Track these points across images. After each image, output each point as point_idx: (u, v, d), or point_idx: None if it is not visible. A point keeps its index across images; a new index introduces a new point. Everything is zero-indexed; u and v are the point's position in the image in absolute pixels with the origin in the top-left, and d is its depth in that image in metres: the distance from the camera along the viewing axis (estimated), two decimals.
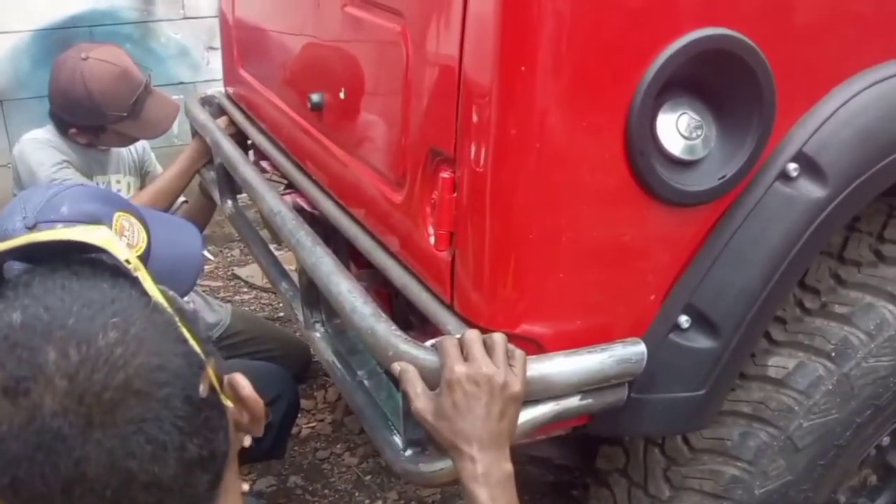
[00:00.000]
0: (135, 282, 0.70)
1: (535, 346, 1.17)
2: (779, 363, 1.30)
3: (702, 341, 1.20)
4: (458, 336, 1.12)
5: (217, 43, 3.56)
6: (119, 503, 0.64)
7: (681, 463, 1.35)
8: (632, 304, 1.21)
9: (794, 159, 1.17)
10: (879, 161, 1.19)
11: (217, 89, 2.52)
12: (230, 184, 2.19)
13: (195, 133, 2.39)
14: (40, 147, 2.31)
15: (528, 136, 1.08)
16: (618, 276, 1.18)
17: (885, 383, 1.30)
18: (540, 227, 1.12)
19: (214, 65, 3.76)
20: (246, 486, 2.12)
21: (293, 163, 1.87)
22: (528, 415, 1.15)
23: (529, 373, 1.11)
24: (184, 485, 0.66)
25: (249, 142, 2.22)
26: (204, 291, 2.91)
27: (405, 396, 1.11)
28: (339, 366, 1.53)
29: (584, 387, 1.17)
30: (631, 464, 1.42)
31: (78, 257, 0.70)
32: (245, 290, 3.58)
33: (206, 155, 2.32)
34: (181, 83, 3.81)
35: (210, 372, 0.70)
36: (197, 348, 0.70)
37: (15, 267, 0.70)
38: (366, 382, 1.47)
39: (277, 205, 1.71)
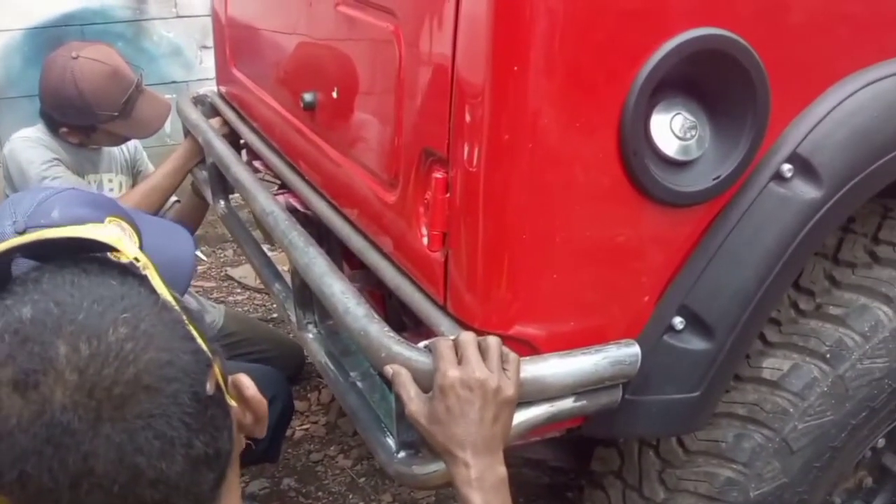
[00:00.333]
0: (143, 279, 0.70)
1: (529, 348, 1.17)
2: (773, 365, 1.30)
3: (696, 343, 1.19)
4: (452, 338, 1.11)
5: (210, 42, 3.56)
6: (126, 499, 0.63)
7: (676, 465, 1.35)
8: (626, 306, 1.20)
9: (788, 160, 1.17)
10: (874, 162, 1.18)
11: (210, 88, 2.51)
12: (222, 183, 2.18)
13: (187, 132, 2.37)
14: (31, 146, 2.30)
15: (521, 136, 1.08)
16: (612, 277, 1.18)
17: (879, 385, 1.30)
18: (533, 227, 1.12)
19: (207, 64, 3.75)
20: None
21: (286, 163, 1.86)
22: (523, 416, 1.14)
23: (523, 374, 1.10)
24: (189, 482, 0.66)
25: (242, 141, 2.21)
26: (197, 292, 2.90)
27: (398, 399, 1.11)
28: (332, 367, 1.52)
29: (579, 388, 1.16)
30: (626, 466, 1.42)
31: (86, 255, 0.70)
32: (238, 290, 3.57)
33: (199, 154, 2.31)
34: (174, 82, 3.80)
35: (216, 370, 0.70)
36: (204, 346, 0.70)
37: (22, 264, 0.70)
38: (359, 384, 1.46)
39: (270, 205, 1.70)
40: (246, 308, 3.41)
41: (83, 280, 0.67)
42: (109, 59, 2.28)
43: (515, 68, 1.06)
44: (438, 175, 1.18)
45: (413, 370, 1.11)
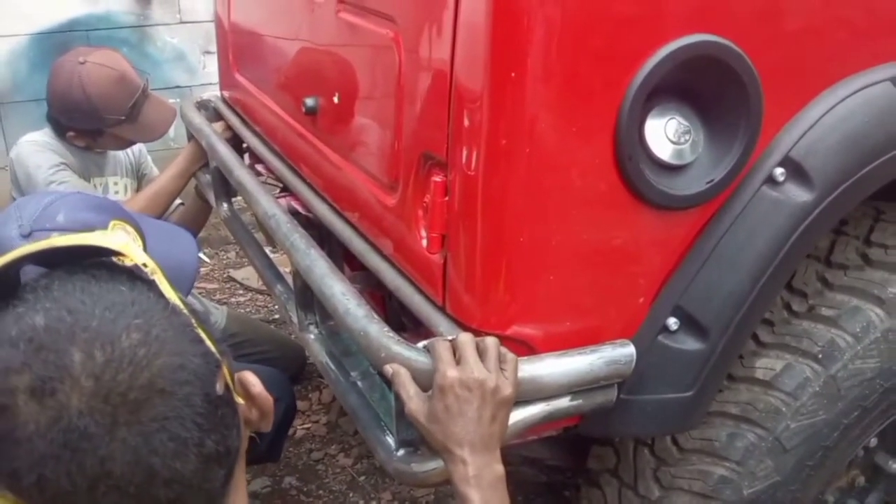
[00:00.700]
0: (151, 284, 0.72)
1: (526, 348, 1.19)
2: (766, 365, 1.32)
3: (690, 343, 1.21)
4: (451, 338, 1.13)
5: (213, 47, 3.58)
6: (141, 499, 0.66)
7: (670, 463, 1.37)
8: (621, 307, 1.22)
9: (780, 164, 1.19)
10: (865, 166, 1.20)
11: (213, 93, 2.54)
12: (225, 187, 2.20)
13: (191, 136, 2.40)
14: (38, 150, 2.32)
15: (519, 140, 1.10)
16: (607, 278, 1.20)
17: (871, 385, 1.32)
18: (530, 230, 1.14)
19: (210, 69, 3.77)
20: None
21: (288, 166, 1.88)
22: (520, 415, 1.16)
23: (520, 374, 1.12)
24: (202, 480, 0.68)
25: (245, 145, 2.24)
26: (200, 294, 2.92)
27: (398, 398, 1.13)
28: (332, 367, 1.54)
29: (575, 388, 1.19)
30: (621, 464, 1.44)
31: (94, 261, 0.72)
32: (240, 292, 3.60)
33: (202, 158, 2.34)
34: (177, 87, 3.82)
35: (225, 371, 0.72)
36: (212, 348, 0.72)
37: (31, 271, 0.72)
38: (359, 383, 1.48)
39: (272, 208, 1.72)
40: (248, 309, 3.44)
41: (93, 287, 0.69)
42: (116, 64, 2.31)
43: (513, 74, 1.08)
44: (437, 178, 1.20)
45: (412, 370, 1.13)
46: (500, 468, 1.06)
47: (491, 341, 1.10)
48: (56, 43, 3.56)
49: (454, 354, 1.10)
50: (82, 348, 0.64)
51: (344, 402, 1.47)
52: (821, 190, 1.19)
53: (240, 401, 0.77)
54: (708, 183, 1.17)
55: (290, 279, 1.74)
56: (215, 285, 3.64)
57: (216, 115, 2.42)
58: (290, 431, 2.56)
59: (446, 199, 1.19)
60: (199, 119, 2.33)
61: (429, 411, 1.07)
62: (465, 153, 1.14)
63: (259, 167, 2.15)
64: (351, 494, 2.41)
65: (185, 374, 0.67)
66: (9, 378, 0.64)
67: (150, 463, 0.65)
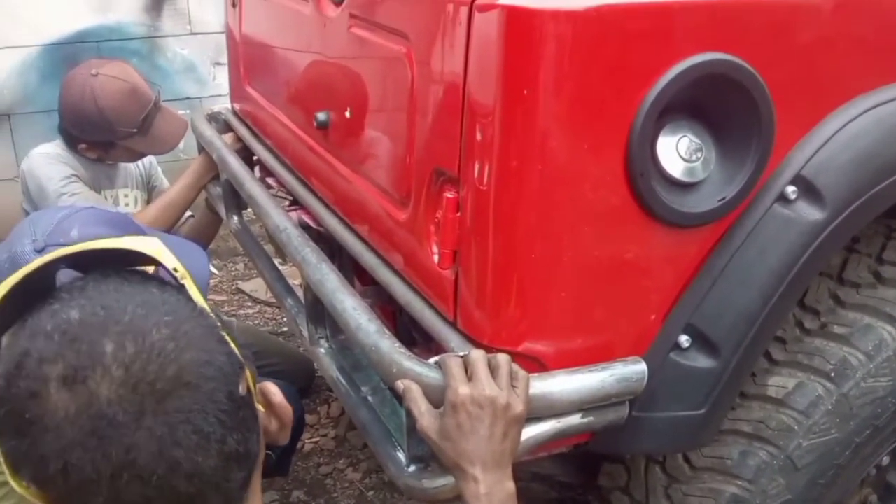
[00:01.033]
0: (181, 289, 0.74)
1: (538, 365, 1.19)
2: (779, 383, 1.32)
3: (702, 361, 1.21)
4: (462, 354, 1.13)
5: (223, 59, 3.60)
6: (162, 490, 0.67)
7: (682, 481, 1.36)
8: (633, 324, 1.22)
9: (792, 182, 1.19)
10: (877, 184, 1.20)
11: (223, 105, 2.55)
12: (236, 199, 2.21)
13: (201, 149, 2.41)
14: (49, 161, 2.34)
15: (531, 158, 1.10)
16: (619, 295, 1.20)
17: (883, 403, 1.31)
18: (542, 246, 1.14)
19: (220, 80, 3.80)
20: None
21: (299, 180, 1.89)
22: (531, 432, 1.16)
23: (532, 391, 1.12)
24: (222, 478, 0.70)
25: (255, 157, 2.25)
26: (208, 306, 2.93)
27: (409, 414, 1.13)
28: (343, 382, 1.54)
29: (586, 405, 1.19)
30: (632, 481, 1.43)
31: (126, 268, 0.74)
32: (249, 304, 3.60)
33: (213, 170, 2.35)
34: (188, 98, 3.85)
35: (248, 374, 0.74)
36: (237, 352, 0.73)
37: (65, 275, 0.74)
38: (370, 398, 1.48)
39: (283, 222, 1.72)
40: (256, 321, 3.44)
41: (126, 287, 0.72)
42: (128, 76, 2.33)
43: (526, 91, 1.08)
44: (449, 194, 1.21)
45: (423, 385, 1.14)
46: (511, 485, 1.06)
47: (503, 358, 1.11)
48: (66, 54, 3.59)
49: (466, 371, 1.10)
50: (114, 340, 0.67)
51: (354, 417, 1.47)
52: (832, 208, 1.19)
53: (260, 409, 0.79)
54: (720, 200, 1.17)
55: (299, 292, 1.75)
56: (224, 297, 3.65)
57: (227, 128, 2.43)
58: (299, 445, 2.56)
59: (458, 214, 1.20)
60: (210, 132, 2.34)
61: (440, 428, 1.07)
62: (477, 169, 1.14)
63: (269, 180, 2.16)
64: None
65: (211, 370, 0.69)
66: (42, 367, 0.66)
67: (174, 454, 0.66)
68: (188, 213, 2.51)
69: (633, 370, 1.19)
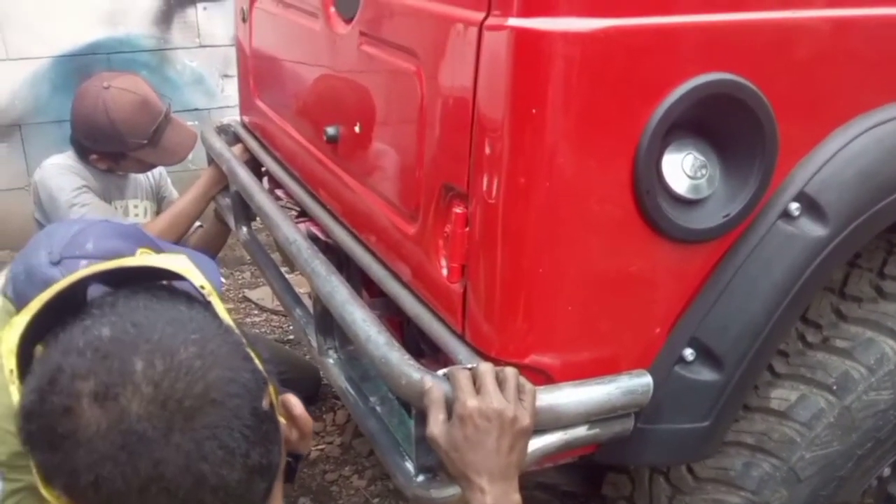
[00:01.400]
0: (207, 305, 0.77)
1: (544, 377, 1.21)
2: (781, 395, 1.34)
3: (706, 374, 1.23)
4: (471, 367, 1.15)
5: (231, 71, 3.64)
6: (188, 502, 0.69)
7: (685, 492, 1.38)
8: (638, 337, 1.24)
9: (795, 199, 1.21)
10: (879, 201, 1.23)
11: (232, 117, 2.58)
12: (245, 211, 2.24)
13: (211, 160, 2.44)
14: (61, 172, 2.37)
15: (539, 175, 1.13)
16: (625, 309, 1.22)
17: (885, 416, 1.33)
18: (549, 261, 1.16)
19: (229, 92, 3.83)
20: None
21: (308, 192, 1.91)
22: (538, 444, 1.18)
23: (539, 403, 1.14)
24: (245, 490, 0.72)
25: (263, 169, 2.28)
26: None
27: (419, 422, 1.14)
28: (351, 392, 1.56)
29: (592, 417, 1.21)
30: (637, 491, 1.45)
31: (155, 283, 0.76)
32: (256, 312, 3.62)
33: (222, 181, 2.38)
34: (196, 109, 3.88)
35: (271, 390, 0.76)
36: (260, 367, 0.76)
37: (96, 288, 0.77)
38: (378, 409, 1.50)
39: (293, 234, 1.75)
40: (263, 329, 3.47)
41: (155, 304, 0.74)
42: (139, 89, 2.36)
43: (534, 111, 1.11)
44: (458, 210, 1.23)
45: None
46: (517, 497, 1.08)
47: (510, 371, 1.13)
48: (77, 66, 3.63)
49: (474, 383, 1.12)
50: (144, 357, 0.69)
51: (363, 427, 1.49)
52: (835, 225, 1.21)
53: (282, 420, 0.81)
54: (724, 217, 1.19)
55: (308, 302, 1.77)
56: (230, 305, 3.67)
57: (236, 140, 2.46)
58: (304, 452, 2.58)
59: (467, 229, 1.22)
60: (219, 144, 2.37)
61: (449, 439, 1.09)
62: (485, 186, 1.16)
63: (278, 192, 2.19)
64: None
65: (236, 387, 0.72)
66: (74, 383, 0.69)
67: (200, 468, 0.69)
68: (197, 223, 2.53)
69: (638, 383, 1.21)
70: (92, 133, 2.32)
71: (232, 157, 2.25)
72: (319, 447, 2.73)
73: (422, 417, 1.15)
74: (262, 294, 3.66)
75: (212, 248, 2.53)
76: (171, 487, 0.68)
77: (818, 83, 1.22)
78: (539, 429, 1.17)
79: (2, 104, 3.66)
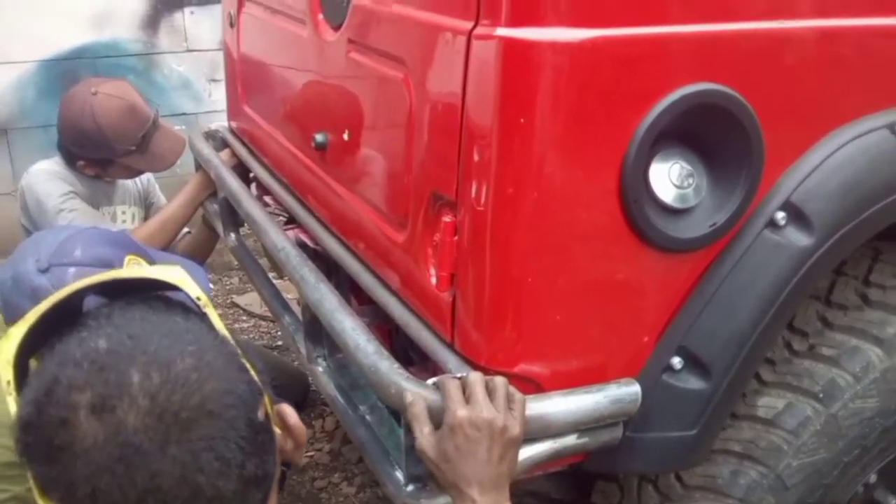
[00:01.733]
0: (203, 317, 0.77)
1: (533, 385, 1.21)
2: (768, 403, 1.34)
3: (694, 382, 1.24)
4: (460, 376, 1.16)
5: (219, 75, 3.63)
6: None
7: (674, 499, 1.38)
8: (626, 345, 1.25)
9: (781, 208, 1.22)
10: (864, 211, 1.24)
11: (220, 123, 2.58)
12: (234, 217, 2.23)
13: (199, 166, 2.43)
14: (48, 178, 2.36)
15: (528, 184, 1.13)
16: (613, 318, 1.22)
17: (871, 424, 1.34)
18: (538, 271, 1.17)
19: (216, 96, 3.82)
20: None
21: (296, 199, 1.91)
22: (527, 453, 1.19)
23: (528, 412, 1.14)
24: (241, 500, 0.73)
25: (251, 174, 2.27)
26: None
27: (408, 432, 1.15)
28: (341, 400, 1.56)
29: (581, 426, 1.21)
30: (625, 500, 1.45)
31: (151, 294, 0.77)
32: (244, 318, 3.62)
33: (210, 187, 2.38)
34: (183, 114, 3.87)
35: (266, 400, 0.76)
36: (256, 378, 0.76)
37: (92, 300, 0.77)
38: (368, 417, 1.50)
39: (281, 241, 1.75)
40: (251, 335, 3.46)
41: (151, 316, 0.75)
42: (127, 95, 2.35)
43: (522, 120, 1.11)
44: (447, 218, 1.23)
45: None
46: None
47: (500, 381, 1.13)
48: (63, 70, 3.61)
49: (464, 393, 1.12)
50: (141, 370, 0.69)
51: (353, 435, 1.49)
52: (821, 234, 1.22)
53: (277, 430, 0.81)
54: (711, 226, 1.20)
55: (297, 308, 1.77)
56: (218, 311, 3.65)
57: (224, 145, 2.46)
58: None
59: (456, 238, 1.22)
60: (207, 150, 2.37)
61: (439, 450, 1.09)
62: (474, 194, 1.17)
63: (266, 198, 2.18)
64: None
65: (232, 398, 0.72)
66: (71, 395, 0.69)
67: (196, 480, 0.69)
68: (186, 229, 2.52)
69: (626, 392, 1.22)
70: (80, 139, 2.31)
71: (220, 164, 2.25)
72: (308, 454, 2.72)
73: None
74: (251, 299, 3.65)
75: (200, 253, 2.53)
76: (168, 499, 0.68)
77: (804, 93, 1.23)
78: (529, 438, 1.17)
79: None
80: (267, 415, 0.77)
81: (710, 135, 1.19)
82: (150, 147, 2.37)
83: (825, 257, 1.23)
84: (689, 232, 1.20)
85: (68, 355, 0.70)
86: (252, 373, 0.77)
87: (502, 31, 1.10)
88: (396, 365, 1.25)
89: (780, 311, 1.23)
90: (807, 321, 1.40)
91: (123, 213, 2.54)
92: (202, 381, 0.70)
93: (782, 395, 1.34)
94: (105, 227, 2.01)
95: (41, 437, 0.69)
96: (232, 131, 2.46)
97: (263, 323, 3.54)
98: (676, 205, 1.19)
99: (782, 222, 1.22)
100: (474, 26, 1.13)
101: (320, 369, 1.66)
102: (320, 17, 1.68)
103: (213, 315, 0.78)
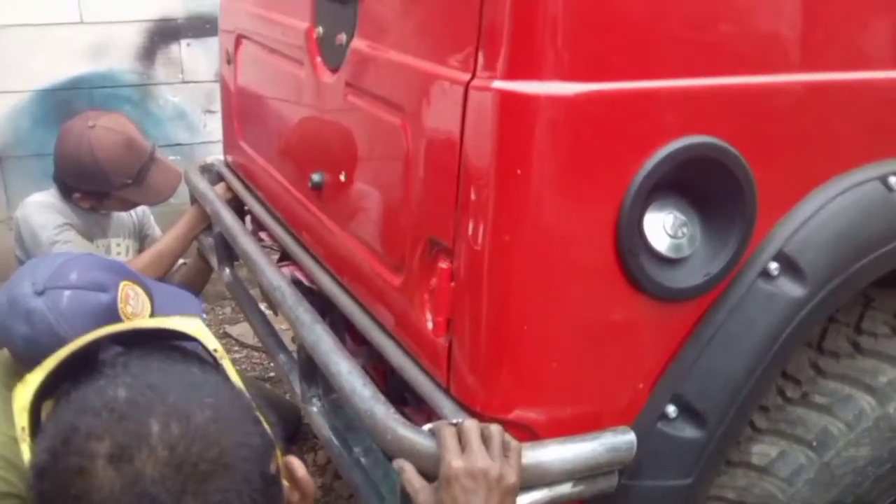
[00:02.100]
0: (218, 367, 0.77)
1: (529, 433, 1.21)
2: (762, 451, 1.35)
3: (689, 431, 1.24)
4: (455, 422, 1.16)
5: (214, 106, 3.65)
6: None
7: None
8: (621, 393, 1.25)
9: (774, 258, 1.23)
10: (856, 262, 1.25)
11: (215, 156, 2.59)
12: (228, 252, 2.24)
13: (194, 200, 2.44)
14: (43, 210, 2.36)
15: (524, 234, 1.14)
16: (608, 366, 1.23)
17: (864, 472, 1.34)
18: (534, 319, 1.17)
19: (211, 127, 3.83)
20: None
21: (291, 236, 1.92)
22: (524, 501, 1.18)
23: (524, 460, 1.14)
24: None
25: (246, 207, 2.28)
26: None
27: (405, 495, 1.15)
28: (336, 442, 1.56)
29: (577, 474, 1.21)
30: None
31: (167, 343, 0.78)
32: (236, 348, 3.60)
33: (205, 221, 2.38)
34: (178, 145, 3.88)
35: (277, 453, 0.77)
36: (269, 430, 0.77)
37: (108, 347, 0.78)
38: (362, 460, 1.50)
39: (277, 280, 1.75)
40: (244, 366, 3.44)
41: (168, 366, 0.76)
42: (124, 128, 2.36)
43: (519, 171, 1.12)
44: (444, 265, 1.24)
45: (417, 453, 1.16)
46: None
47: (495, 429, 1.13)
48: (59, 100, 3.62)
49: (459, 442, 1.12)
50: (160, 420, 0.70)
51: (347, 479, 1.49)
52: (813, 284, 1.23)
53: (285, 483, 0.82)
54: (705, 276, 1.21)
55: (291, 345, 1.77)
56: None
57: (219, 179, 2.47)
58: None
59: (452, 284, 1.23)
60: (203, 184, 2.38)
61: (436, 501, 1.09)
62: (470, 242, 1.18)
63: (262, 234, 2.19)
64: None
65: (248, 451, 0.73)
66: (90, 443, 0.69)
67: None
68: (181, 260, 2.53)
69: (622, 440, 1.22)
70: (76, 172, 2.32)
71: (216, 199, 2.25)
72: None
73: None
74: (243, 330, 3.64)
75: (195, 285, 2.53)
76: None
77: (796, 145, 1.25)
78: (525, 486, 1.17)
79: None
80: (278, 468, 0.78)
81: (704, 186, 1.20)
82: (147, 180, 2.38)
83: (818, 308, 1.24)
84: (683, 282, 1.21)
85: (87, 404, 0.71)
86: (265, 426, 0.78)
87: (499, 84, 1.11)
88: (392, 410, 1.26)
89: (774, 360, 1.23)
90: (799, 368, 1.41)
91: (118, 245, 2.54)
92: (220, 433, 0.71)
93: (776, 443, 1.35)
94: (100, 254, 2.02)
95: (57, 484, 0.69)
96: (227, 165, 2.47)
97: (256, 353, 3.53)
98: (671, 254, 1.20)
99: (775, 273, 1.23)
100: (472, 78, 1.15)
101: (315, 409, 1.66)
102: (318, 59, 1.70)
103: (229, 367, 0.79)
